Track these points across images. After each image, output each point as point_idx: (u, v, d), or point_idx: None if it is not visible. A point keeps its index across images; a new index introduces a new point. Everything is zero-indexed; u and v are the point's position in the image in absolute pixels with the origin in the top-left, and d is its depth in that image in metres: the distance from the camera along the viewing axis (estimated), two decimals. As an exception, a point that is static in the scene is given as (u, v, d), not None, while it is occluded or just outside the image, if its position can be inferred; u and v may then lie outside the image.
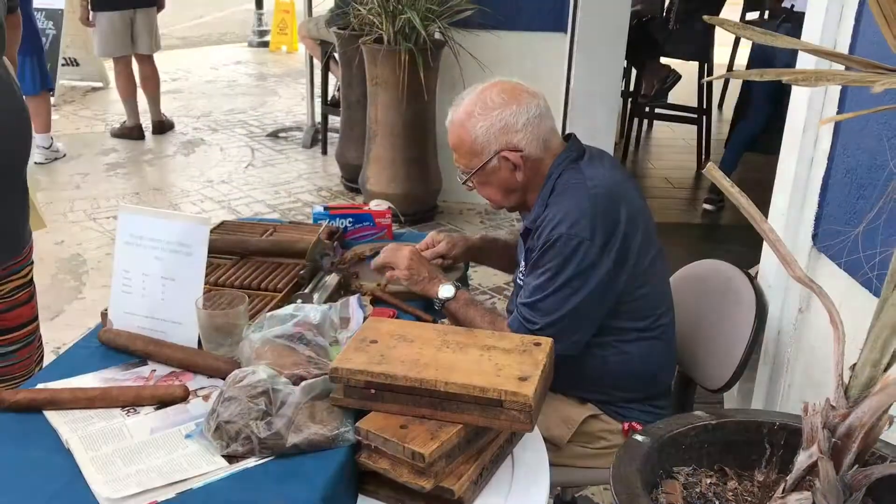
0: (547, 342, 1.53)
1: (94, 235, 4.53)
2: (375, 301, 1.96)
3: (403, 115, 4.51)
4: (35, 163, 5.71)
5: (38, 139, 5.74)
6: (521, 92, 1.78)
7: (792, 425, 1.24)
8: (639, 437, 1.22)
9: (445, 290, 1.86)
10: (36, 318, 2.08)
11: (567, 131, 4.93)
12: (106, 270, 4.07)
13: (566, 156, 1.80)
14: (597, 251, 1.68)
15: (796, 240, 1.84)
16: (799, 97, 1.82)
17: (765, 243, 1.97)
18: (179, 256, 1.72)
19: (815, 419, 1.03)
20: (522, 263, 1.84)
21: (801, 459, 1.04)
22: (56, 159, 5.82)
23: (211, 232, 2.22)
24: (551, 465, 1.64)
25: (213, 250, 2.05)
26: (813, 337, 1.82)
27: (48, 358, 3.25)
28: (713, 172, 1.01)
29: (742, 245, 4.60)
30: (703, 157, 6.09)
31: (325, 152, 6.08)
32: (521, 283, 1.84)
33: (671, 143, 6.64)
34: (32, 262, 2.04)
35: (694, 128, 6.06)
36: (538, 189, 1.81)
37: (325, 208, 2.32)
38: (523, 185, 1.81)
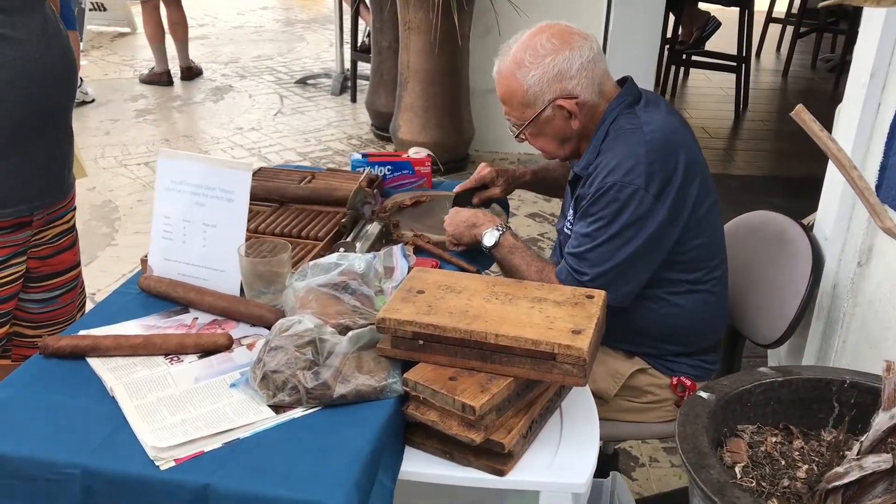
0: (600, 294, 1.49)
1: (126, 182, 4.51)
2: (417, 250, 1.91)
3: (436, 60, 4.42)
4: (63, 107, 5.69)
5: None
6: (572, 35, 1.70)
7: (864, 383, 1.19)
8: (703, 394, 1.17)
9: (488, 238, 1.81)
10: (78, 264, 2.06)
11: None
12: (137, 217, 4.06)
13: (622, 100, 1.72)
14: (651, 200, 1.61)
15: (857, 190, 1.76)
16: (867, 40, 1.72)
17: (823, 193, 1.89)
18: (221, 202, 1.68)
19: (897, 379, 0.97)
20: (571, 212, 1.78)
21: (881, 420, 0.99)
22: (85, 102, 5.79)
23: (248, 178, 2.19)
24: (597, 418, 1.60)
25: (252, 197, 2.00)
26: (871, 292, 1.76)
27: (87, 305, 3.27)
28: (802, 115, 0.94)
29: (782, 197, 4.51)
30: (742, 106, 5.95)
31: (354, 100, 6.00)
32: (569, 232, 1.78)
33: (708, 92, 6.48)
34: (75, 208, 2.02)
35: (731, 76, 5.91)
36: (591, 136, 1.74)
37: (364, 155, 2.27)
38: (579, 133, 1.75)
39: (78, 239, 2.05)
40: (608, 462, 2.13)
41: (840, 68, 6.95)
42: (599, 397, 1.80)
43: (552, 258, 1.98)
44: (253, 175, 2.21)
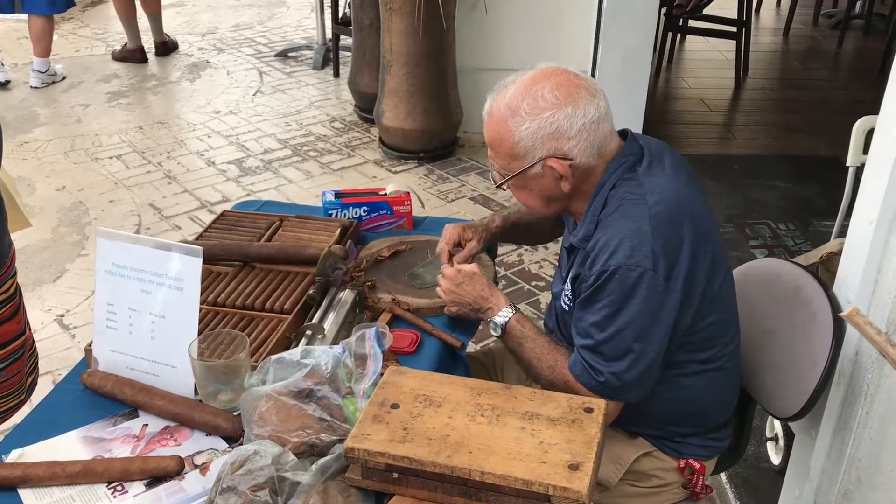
0: (599, 407, 1.31)
1: (98, 179, 4.28)
2: (394, 320, 1.72)
3: (420, 43, 4.16)
4: (31, 87, 5.43)
5: (35, 63, 5.45)
6: (579, 89, 1.47)
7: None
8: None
9: (493, 326, 1.63)
10: (24, 332, 1.87)
11: (600, 54, 4.50)
12: (110, 221, 3.85)
13: (622, 161, 1.51)
14: (662, 282, 1.42)
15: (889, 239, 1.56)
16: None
17: (846, 251, 1.69)
18: (170, 291, 1.49)
19: None
20: (569, 286, 1.58)
21: None
22: (54, 83, 5.53)
23: (209, 228, 2.00)
24: (597, 505, 1.44)
25: (212, 258, 1.82)
26: (900, 364, 1.58)
27: (51, 328, 3.10)
28: (855, 319, 0.75)
29: (786, 180, 4.31)
30: (742, 73, 5.70)
31: (336, 75, 5.73)
32: (566, 307, 1.59)
33: (707, 57, 6.21)
34: (16, 272, 1.82)
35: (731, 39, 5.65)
36: (586, 198, 1.54)
37: (337, 195, 2.07)
38: (568, 195, 1.54)
39: (22, 304, 1.86)
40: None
41: (844, 25, 6.68)
42: (601, 485, 1.63)
43: (547, 322, 1.79)
44: (215, 222, 2.02)
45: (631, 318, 1.42)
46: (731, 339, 1.61)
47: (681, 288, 1.44)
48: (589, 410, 1.30)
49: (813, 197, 4.11)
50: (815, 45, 6.70)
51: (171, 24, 6.66)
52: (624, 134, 1.57)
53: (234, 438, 1.41)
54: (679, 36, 6.23)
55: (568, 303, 1.58)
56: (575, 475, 1.17)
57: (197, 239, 1.95)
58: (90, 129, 4.90)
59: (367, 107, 4.86)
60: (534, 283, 3.42)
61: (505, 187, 1.60)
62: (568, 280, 1.58)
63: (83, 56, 6.17)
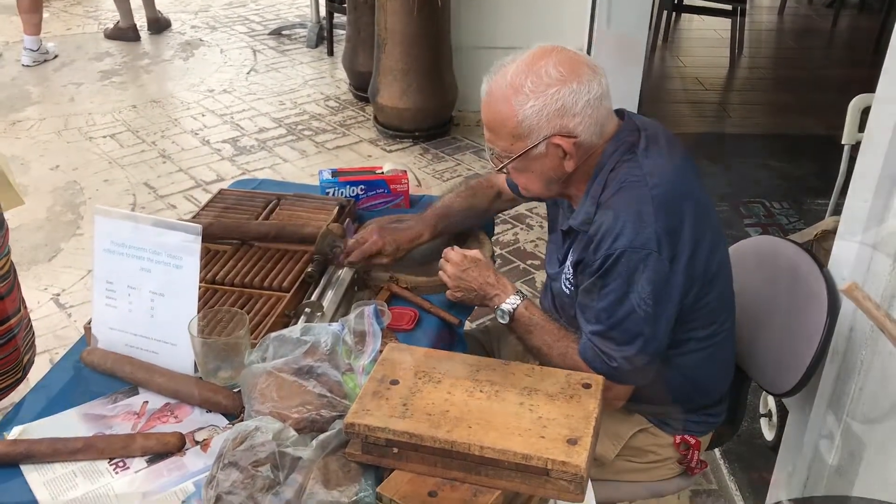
0: (597, 383, 1.32)
1: (92, 158, 4.27)
2: (392, 298, 1.73)
3: (415, 22, 4.15)
4: (23, 65, 5.40)
5: (27, 41, 5.41)
6: (582, 65, 1.45)
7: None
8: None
9: (501, 315, 1.61)
10: (19, 310, 1.88)
11: (595, 32, 4.48)
12: (104, 200, 3.84)
13: (620, 142, 1.50)
14: (667, 264, 1.42)
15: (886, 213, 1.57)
16: None
17: (841, 229, 1.71)
18: (168, 269, 1.49)
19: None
20: (570, 270, 1.58)
21: None
22: (46, 61, 5.49)
23: (206, 207, 2.00)
24: (594, 480, 1.46)
25: (210, 237, 1.82)
26: (893, 340, 1.59)
27: (48, 307, 3.10)
28: (854, 293, 0.76)
29: (779, 159, 4.32)
30: (737, 51, 5.69)
31: (331, 53, 5.71)
32: (567, 290, 1.59)
33: (702, 35, 6.20)
34: (9, 251, 1.82)
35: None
36: (585, 179, 1.53)
37: (334, 174, 2.07)
38: (569, 176, 1.53)
39: (16, 283, 1.86)
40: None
41: (838, 4, 6.66)
42: (598, 460, 1.65)
43: (543, 302, 1.80)
44: (212, 201, 2.02)
45: (639, 301, 1.42)
46: (727, 315, 1.62)
47: (684, 269, 1.44)
48: (587, 386, 1.31)
49: (807, 175, 4.12)
50: (809, 24, 6.69)
51: (164, 1, 6.61)
52: (620, 113, 1.57)
53: (234, 415, 1.42)
54: (674, 14, 6.21)
55: (570, 287, 1.58)
56: (573, 450, 1.19)
57: (194, 218, 1.95)
58: (83, 107, 4.87)
59: (361, 85, 4.84)
60: (529, 262, 3.43)
61: (505, 170, 1.59)
62: (569, 264, 1.58)
63: (75, 34, 6.13)
